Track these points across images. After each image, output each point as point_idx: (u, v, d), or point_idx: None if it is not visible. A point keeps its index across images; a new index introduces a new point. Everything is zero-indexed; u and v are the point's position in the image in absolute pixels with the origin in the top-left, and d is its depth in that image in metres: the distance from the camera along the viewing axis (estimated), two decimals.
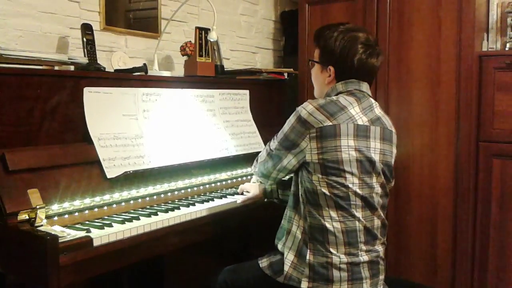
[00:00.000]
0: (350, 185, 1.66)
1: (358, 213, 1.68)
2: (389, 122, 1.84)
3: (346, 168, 1.66)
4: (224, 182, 2.36)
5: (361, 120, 1.71)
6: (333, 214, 1.65)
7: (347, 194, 1.66)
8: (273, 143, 1.82)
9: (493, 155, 2.61)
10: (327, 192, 1.65)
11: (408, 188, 2.81)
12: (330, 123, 1.66)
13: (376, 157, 1.73)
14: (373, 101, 1.81)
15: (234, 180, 2.41)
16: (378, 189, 1.74)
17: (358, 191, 1.67)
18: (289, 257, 1.70)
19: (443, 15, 2.65)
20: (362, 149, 1.69)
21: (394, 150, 1.85)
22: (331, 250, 1.64)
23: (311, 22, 3.11)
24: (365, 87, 1.81)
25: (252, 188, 2.10)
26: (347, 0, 2.96)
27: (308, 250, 1.66)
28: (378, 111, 1.81)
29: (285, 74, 2.99)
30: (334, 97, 1.75)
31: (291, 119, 1.74)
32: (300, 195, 1.73)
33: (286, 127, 1.75)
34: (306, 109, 1.70)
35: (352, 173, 1.66)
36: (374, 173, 1.72)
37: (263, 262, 1.78)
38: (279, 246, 1.77)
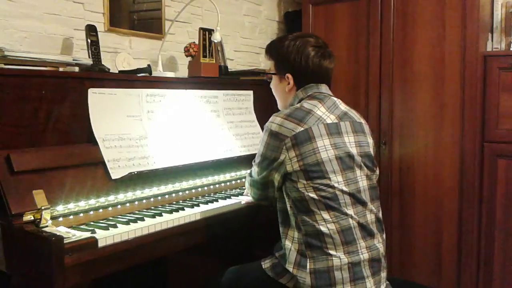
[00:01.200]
0: (336, 184, 1.66)
1: (350, 211, 1.67)
2: (357, 115, 1.87)
3: (328, 168, 1.67)
4: (228, 183, 2.36)
5: (329, 118, 1.74)
6: (326, 216, 1.65)
7: (334, 194, 1.66)
8: (253, 170, 1.84)
9: (497, 155, 2.61)
10: (315, 196, 1.65)
11: (412, 188, 2.81)
12: (302, 128, 1.68)
13: (353, 150, 1.74)
14: (335, 99, 1.85)
15: (239, 181, 2.41)
16: (364, 182, 1.75)
17: (345, 188, 1.68)
18: (289, 267, 1.68)
19: (448, 15, 2.65)
20: (338, 146, 1.71)
21: (370, 140, 1.85)
22: (331, 252, 1.63)
23: (314, 23, 3.11)
24: (324, 88, 1.85)
25: None
26: (351, 0, 2.96)
27: (308, 259, 1.64)
28: (343, 106, 1.84)
29: None
30: (298, 104, 1.78)
31: (264, 138, 1.76)
32: (288, 207, 1.73)
33: (261, 147, 1.77)
34: (274, 122, 1.72)
35: (334, 172, 1.67)
36: (355, 166, 1.73)
37: (266, 264, 1.78)
38: (281, 261, 1.74)
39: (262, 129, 2.64)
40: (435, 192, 2.74)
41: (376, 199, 1.80)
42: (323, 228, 1.64)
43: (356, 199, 1.70)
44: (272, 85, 1.96)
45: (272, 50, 1.93)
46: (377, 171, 1.86)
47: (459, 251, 2.68)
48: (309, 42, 1.83)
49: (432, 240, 2.77)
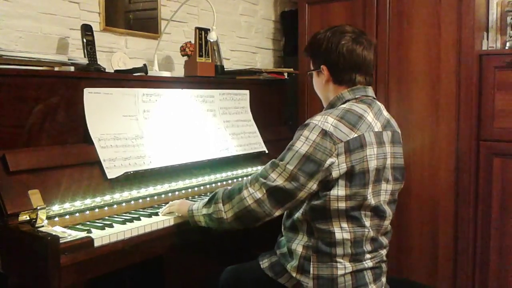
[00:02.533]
0: (368, 196, 1.62)
1: (367, 222, 1.65)
2: (395, 123, 1.82)
3: (370, 178, 1.62)
4: (224, 182, 2.36)
5: (376, 127, 1.67)
6: (344, 225, 1.61)
7: (361, 204, 1.61)
8: (276, 173, 1.57)
9: (493, 154, 2.61)
10: (342, 206, 1.59)
11: (408, 187, 2.81)
12: (355, 135, 1.59)
13: (388, 161, 1.70)
14: (380, 104, 1.77)
15: (235, 180, 2.41)
16: (387, 196, 1.71)
17: (372, 201, 1.64)
18: (292, 273, 1.67)
19: (443, 14, 2.66)
20: (380, 157, 1.65)
21: (402, 151, 1.81)
22: (337, 259, 1.62)
23: (311, 22, 3.12)
24: (370, 91, 1.76)
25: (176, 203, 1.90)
26: None
27: (311, 264, 1.63)
28: (386, 113, 1.78)
29: (285, 74, 2.99)
30: (346, 106, 1.67)
31: (310, 136, 1.57)
32: (300, 214, 1.66)
33: (301, 146, 1.56)
34: (327, 122, 1.58)
35: (372, 183, 1.63)
36: (383, 180, 1.69)
37: (264, 263, 1.77)
38: (282, 260, 1.73)
39: (258, 128, 2.68)
40: (431, 191, 2.75)
41: (393, 213, 1.76)
42: (338, 236, 1.60)
43: (377, 212, 1.67)
44: (314, 83, 1.85)
45: (308, 46, 1.85)
46: (403, 184, 1.80)
47: (455, 250, 2.69)
48: (342, 30, 1.73)
49: (428, 239, 2.77)
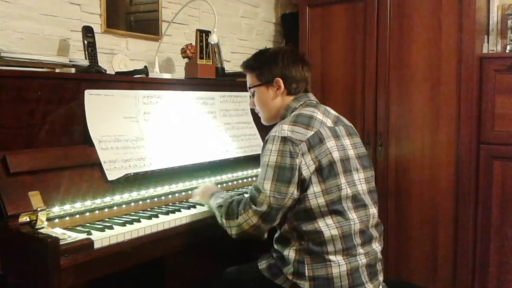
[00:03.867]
0: (342, 186, 1.68)
1: (352, 215, 1.68)
2: (345, 119, 1.91)
3: (338, 168, 1.69)
4: (225, 184, 2.36)
5: (328, 123, 1.77)
6: (329, 221, 1.65)
7: (339, 197, 1.67)
8: (260, 197, 1.63)
9: (493, 157, 2.62)
10: (322, 201, 1.64)
11: (408, 189, 2.81)
12: (312, 132, 1.69)
13: (351, 152, 1.77)
14: (325, 106, 1.88)
15: (235, 182, 2.42)
16: (363, 185, 1.76)
17: (348, 190, 1.69)
18: (289, 277, 1.69)
19: (444, 17, 2.66)
20: (340, 148, 1.73)
21: (360, 140, 1.90)
22: (330, 258, 1.64)
23: (311, 25, 3.12)
24: (312, 96, 1.90)
25: (196, 194, 2.07)
26: (348, 2, 2.97)
27: (306, 266, 1.65)
28: (333, 112, 1.87)
29: None
30: (295, 112, 1.79)
31: (273, 147, 1.66)
32: (287, 225, 1.69)
33: (271, 160, 1.64)
34: (283, 129, 1.68)
35: (342, 173, 1.69)
36: (353, 170, 1.74)
37: (262, 264, 1.79)
38: (278, 263, 1.74)
39: (259, 130, 2.68)
40: (431, 193, 2.75)
41: (376, 202, 1.81)
42: (326, 234, 1.64)
43: (357, 203, 1.71)
44: (256, 100, 1.93)
45: (253, 61, 1.94)
46: (373, 171, 1.88)
47: (455, 252, 2.69)
48: (288, 49, 1.94)
49: (428, 241, 2.77)
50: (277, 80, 1.85)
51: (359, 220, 1.70)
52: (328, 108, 1.88)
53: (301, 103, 1.84)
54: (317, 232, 1.64)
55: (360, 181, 1.76)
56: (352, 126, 1.91)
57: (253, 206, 1.65)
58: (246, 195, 1.73)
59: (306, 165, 1.65)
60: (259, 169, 1.73)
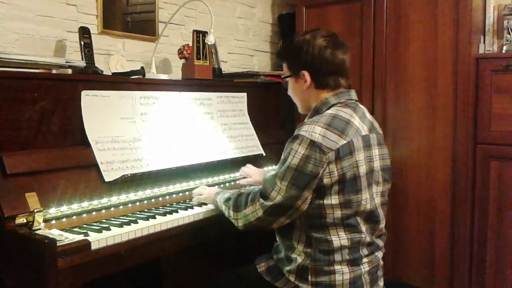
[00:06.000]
0: (363, 202, 1.62)
1: (363, 227, 1.65)
2: (378, 126, 1.82)
3: (362, 183, 1.61)
4: (222, 185, 2.36)
5: (363, 130, 1.67)
6: (341, 233, 1.61)
7: (357, 211, 1.61)
8: (274, 191, 1.59)
9: (490, 157, 2.62)
10: (338, 214, 1.59)
11: (405, 190, 2.82)
12: (344, 141, 1.58)
13: (376, 163, 1.70)
14: (362, 107, 1.78)
15: (232, 183, 2.41)
16: (378, 199, 1.72)
17: (368, 206, 1.64)
18: (290, 278, 1.67)
19: (440, 18, 2.66)
20: (368, 160, 1.65)
21: (387, 152, 1.82)
22: (335, 266, 1.62)
23: (308, 25, 3.12)
24: (354, 94, 1.77)
25: (204, 192, 2.03)
26: (344, 3, 2.97)
27: (309, 271, 1.63)
28: (369, 116, 1.78)
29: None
30: (332, 111, 1.66)
31: (298, 149, 1.56)
32: (298, 222, 1.65)
33: (293, 160, 1.56)
34: (315, 132, 1.56)
35: (365, 188, 1.62)
36: (373, 183, 1.69)
37: (261, 267, 1.77)
38: (279, 264, 1.73)
39: (256, 131, 2.67)
40: (428, 194, 2.75)
41: (385, 215, 1.76)
42: (335, 244, 1.60)
43: (371, 217, 1.67)
44: (289, 90, 1.82)
45: (282, 51, 1.84)
46: (390, 184, 1.81)
47: (451, 253, 2.69)
48: (319, 33, 1.72)
49: (424, 241, 2.78)
50: (303, 73, 1.72)
51: (368, 233, 1.67)
52: (365, 111, 1.77)
53: (341, 101, 1.70)
54: (327, 241, 1.61)
55: (377, 194, 1.71)
56: (382, 134, 1.81)
57: (261, 199, 1.63)
58: (256, 188, 1.72)
59: (329, 173, 1.56)
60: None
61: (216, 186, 2.16)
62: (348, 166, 1.57)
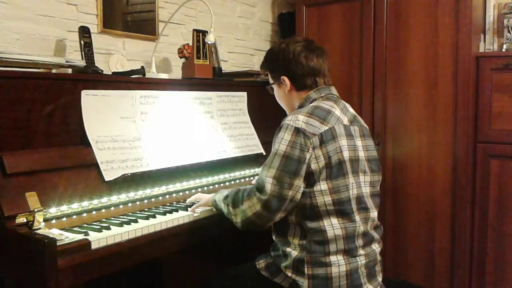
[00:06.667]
0: (350, 186, 1.67)
1: (356, 216, 1.68)
2: (362, 120, 1.89)
3: (348, 168, 1.67)
4: (222, 184, 2.36)
5: (344, 120, 1.75)
6: (334, 221, 1.65)
7: (348, 197, 1.66)
8: (267, 184, 1.62)
9: (490, 155, 2.62)
10: (329, 200, 1.63)
11: (406, 189, 2.81)
12: (326, 127, 1.67)
13: (361, 154, 1.75)
14: (344, 102, 1.86)
15: (233, 182, 2.42)
16: (367, 188, 1.75)
17: (354, 191, 1.68)
18: (288, 273, 1.69)
19: (440, 16, 2.66)
20: (351, 148, 1.72)
21: (373, 143, 1.88)
22: (331, 258, 1.63)
23: (308, 24, 3.12)
24: (334, 90, 1.87)
25: (203, 197, 2.01)
26: (344, 2, 2.97)
27: (305, 265, 1.64)
28: (351, 110, 1.86)
29: None
30: (314, 103, 1.77)
31: (285, 136, 1.65)
32: (292, 216, 1.68)
33: (281, 147, 1.64)
34: (298, 120, 1.66)
35: (350, 173, 1.68)
36: (360, 172, 1.73)
37: (260, 264, 1.79)
38: (276, 261, 1.74)
39: (256, 130, 2.68)
40: (428, 192, 2.75)
41: (377, 207, 1.80)
42: (329, 234, 1.63)
43: (361, 204, 1.71)
44: (276, 96, 1.96)
45: (264, 61, 1.96)
46: (380, 176, 1.86)
47: (452, 252, 2.69)
48: (294, 40, 1.86)
49: (425, 240, 2.78)
50: (283, 78, 1.85)
51: (362, 222, 1.70)
52: (348, 105, 1.85)
53: (321, 95, 1.81)
54: (321, 231, 1.64)
55: (365, 183, 1.75)
56: (367, 128, 1.88)
57: (257, 193, 1.65)
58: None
59: (316, 158, 1.63)
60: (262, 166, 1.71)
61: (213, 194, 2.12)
62: (332, 150, 1.65)
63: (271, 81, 1.94)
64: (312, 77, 1.83)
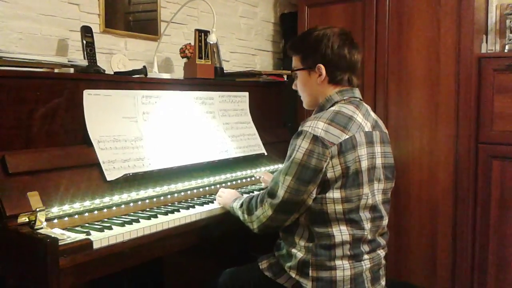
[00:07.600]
0: (364, 196, 1.64)
1: (367, 225, 1.66)
2: (383, 124, 1.84)
3: (364, 178, 1.64)
4: (224, 184, 2.36)
5: (366, 127, 1.69)
6: (343, 228, 1.63)
7: (357, 206, 1.63)
8: (280, 188, 1.62)
9: (492, 156, 2.62)
10: (339, 208, 1.61)
11: (407, 190, 2.81)
12: (347, 136, 1.61)
13: (378, 161, 1.72)
14: (366, 105, 1.80)
15: (234, 182, 2.41)
16: (379, 196, 1.73)
17: (370, 201, 1.66)
18: (292, 274, 1.68)
19: (442, 17, 2.66)
20: (370, 156, 1.68)
21: (391, 150, 1.84)
22: (336, 261, 1.62)
23: (310, 24, 3.12)
24: (357, 93, 1.79)
25: (224, 195, 2.02)
26: (346, 2, 2.97)
27: (310, 267, 1.63)
28: (373, 114, 1.80)
29: (285, 76, 2.99)
30: (335, 108, 1.68)
31: (302, 144, 1.60)
32: (299, 219, 1.67)
33: (297, 155, 1.60)
34: (318, 127, 1.60)
35: (366, 183, 1.65)
36: (375, 180, 1.70)
37: (263, 264, 1.78)
38: (281, 261, 1.74)
39: (258, 130, 2.67)
40: (430, 193, 2.75)
41: (388, 214, 1.78)
42: (337, 239, 1.62)
43: (374, 214, 1.69)
44: (298, 83, 1.83)
45: (298, 43, 1.82)
46: (393, 183, 1.83)
47: (453, 253, 2.69)
48: (337, 30, 1.75)
49: (426, 241, 2.77)
50: (319, 66, 1.73)
51: (372, 230, 1.68)
52: (369, 109, 1.78)
53: (344, 98, 1.72)
54: (329, 236, 1.62)
55: (378, 191, 1.72)
56: (387, 133, 1.83)
57: (268, 198, 1.66)
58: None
59: (333, 168, 1.59)
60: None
61: (236, 190, 2.14)
62: (351, 160, 1.60)
63: (299, 66, 1.80)
64: (350, 73, 1.74)
